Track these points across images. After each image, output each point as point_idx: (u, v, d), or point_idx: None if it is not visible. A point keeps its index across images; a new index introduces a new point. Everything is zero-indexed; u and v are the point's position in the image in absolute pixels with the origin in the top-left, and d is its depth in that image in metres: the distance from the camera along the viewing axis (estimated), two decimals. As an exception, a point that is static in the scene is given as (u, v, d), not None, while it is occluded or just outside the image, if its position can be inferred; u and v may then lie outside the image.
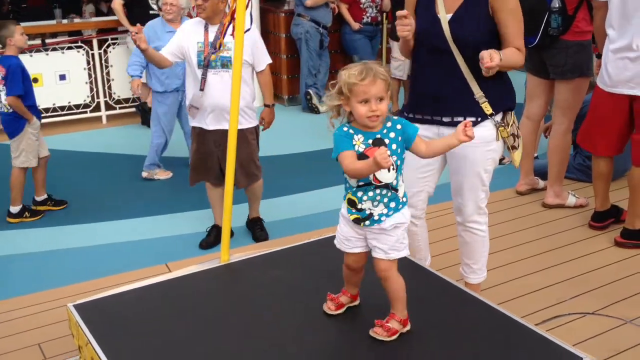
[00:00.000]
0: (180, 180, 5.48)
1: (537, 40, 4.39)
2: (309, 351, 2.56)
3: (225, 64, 4.09)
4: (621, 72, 3.98)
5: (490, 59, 2.81)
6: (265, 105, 4.46)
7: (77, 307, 2.89)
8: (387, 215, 2.49)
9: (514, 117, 3.14)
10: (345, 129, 2.44)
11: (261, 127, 4.47)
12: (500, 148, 3.14)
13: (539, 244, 4.24)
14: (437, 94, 3.04)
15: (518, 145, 3.16)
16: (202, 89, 4.12)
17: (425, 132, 3.06)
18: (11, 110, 4.82)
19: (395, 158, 2.42)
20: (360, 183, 2.44)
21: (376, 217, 2.49)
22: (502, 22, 2.95)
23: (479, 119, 3.02)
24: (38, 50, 7.13)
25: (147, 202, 5.17)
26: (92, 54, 7.32)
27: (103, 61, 7.40)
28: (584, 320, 3.41)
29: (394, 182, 2.46)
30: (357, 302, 2.81)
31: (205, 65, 4.10)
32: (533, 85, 4.75)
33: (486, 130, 3.04)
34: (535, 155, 5.15)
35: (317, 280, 3.04)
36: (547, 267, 3.93)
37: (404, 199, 2.54)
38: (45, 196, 5.12)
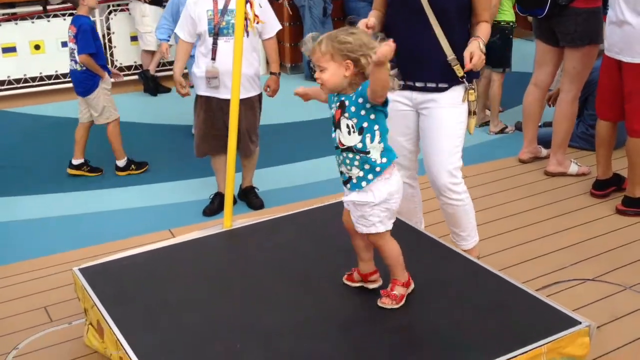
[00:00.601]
0: (184, 148, 5.48)
1: (545, 11, 4.36)
2: (310, 315, 2.60)
3: None
4: (610, 36, 4.04)
5: (469, 58, 2.86)
6: (272, 73, 4.45)
7: (82, 270, 2.93)
8: (367, 180, 2.49)
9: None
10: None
11: (265, 95, 4.47)
12: (465, 116, 3.15)
13: (541, 211, 4.26)
14: (410, 54, 2.98)
15: (476, 112, 3.20)
16: (213, 58, 4.11)
17: (398, 97, 3.09)
18: (84, 69, 4.90)
19: (355, 120, 2.43)
20: (335, 145, 2.51)
21: (355, 181, 2.52)
22: None
23: (451, 84, 3.05)
24: (39, 17, 7.09)
25: (151, 170, 5.18)
26: (94, 21, 7.26)
27: (105, 28, 7.35)
28: (584, 286, 3.44)
29: (359, 145, 2.46)
30: (375, 285, 2.76)
31: (216, 33, 4.08)
32: (542, 52, 4.72)
33: (455, 93, 3.08)
34: (540, 124, 5.15)
35: (319, 247, 3.08)
36: (548, 234, 3.95)
37: (384, 160, 2.49)
38: (82, 160, 5.22)
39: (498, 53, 5.61)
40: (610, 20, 4.04)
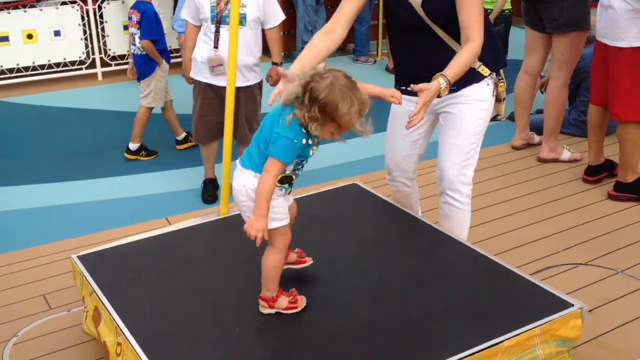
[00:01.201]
0: (174, 137, 5.49)
1: None
2: (308, 298, 2.62)
3: (240, 20, 4.08)
4: (599, 20, 4.10)
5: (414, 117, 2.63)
6: (274, 63, 4.46)
7: (81, 258, 2.95)
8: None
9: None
10: (304, 140, 2.32)
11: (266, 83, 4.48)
12: (491, 107, 3.09)
13: (534, 197, 4.31)
14: (427, 70, 2.78)
15: (504, 98, 3.18)
16: (215, 47, 4.12)
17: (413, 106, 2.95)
18: (144, 53, 5.07)
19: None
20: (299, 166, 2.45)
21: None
22: (457, 6, 2.79)
23: (475, 82, 2.97)
24: (32, 6, 7.06)
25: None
26: (87, 10, 7.25)
27: (98, 17, 7.33)
28: (576, 271, 3.49)
29: None
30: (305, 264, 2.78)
31: (218, 21, 4.09)
32: (531, 39, 4.75)
33: (480, 88, 2.98)
34: (532, 111, 5.19)
35: (314, 232, 3.10)
36: (541, 220, 4.00)
37: None
38: (184, 134, 5.39)
39: (501, 41, 5.66)
40: (600, 5, 4.09)
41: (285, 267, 2.68)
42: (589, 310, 2.80)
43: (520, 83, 4.89)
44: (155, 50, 5.06)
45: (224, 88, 4.16)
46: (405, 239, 3.15)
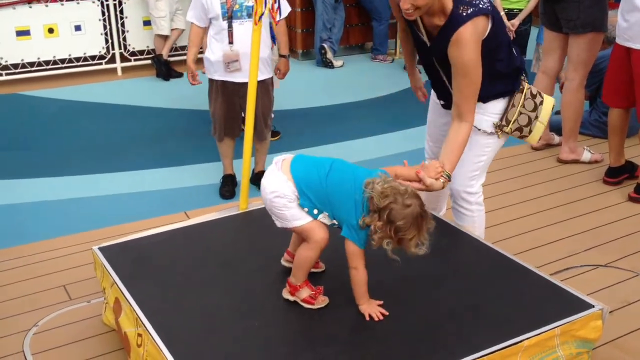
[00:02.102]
0: (197, 132, 5.52)
1: None
2: (327, 293, 2.63)
3: (251, 13, 4.09)
4: (620, 23, 4.06)
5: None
6: (281, 56, 4.47)
7: (102, 249, 2.97)
8: None
9: (521, 103, 2.96)
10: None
11: (276, 77, 4.50)
12: (502, 141, 3.06)
13: (554, 198, 4.28)
14: (442, 95, 3.04)
15: (532, 129, 3.01)
16: (231, 42, 4.13)
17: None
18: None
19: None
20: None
21: None
22: (452, 73, 2.75)
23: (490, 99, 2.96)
24: (53, 0, 7.11)
25: (163, 153, 5.21)
26: (107, 5, 7.29)
27: (118, 12, 7.37)
28: (596, 272, 3.46)
29: None
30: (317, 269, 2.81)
31: (229, 16, 4.10)
32: (549, 40, 4.73)
33: (495, 105, 2.96)
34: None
35: (330, 230, 3.10)
36: (561, 221, 3.98)
37: None
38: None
39: (525, 40, 5.66)
40: (621, 8, 4.05)
41: None
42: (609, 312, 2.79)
43: (538, 84, 4.86)
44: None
45: (240, 84, 4.20)
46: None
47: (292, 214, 2.49)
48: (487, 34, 2.71)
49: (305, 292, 2.58)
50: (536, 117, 2.99)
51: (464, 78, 2.72)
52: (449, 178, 2.76)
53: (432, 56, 2.87)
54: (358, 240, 2.43)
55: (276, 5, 3.82)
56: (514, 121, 2.97)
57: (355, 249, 2.45)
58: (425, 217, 2.37)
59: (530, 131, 3.01)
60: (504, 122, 2.97)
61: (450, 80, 2.81)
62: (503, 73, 2.90)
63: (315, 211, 2.48)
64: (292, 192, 2.47)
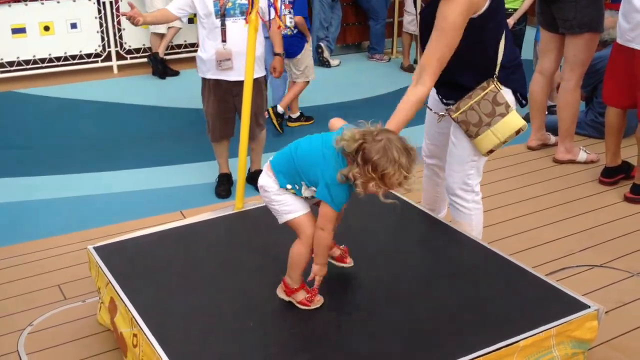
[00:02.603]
0: (193, 130, 5.51)
1: None
2: (322, 294, 2.62)
3: (244, 11, 4.08)
4: (621, 24, 4.05)
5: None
6: (275, 54, 4.46)
7: (97, 249, 2.96)
8: None
9: (477, 100, 2.88)
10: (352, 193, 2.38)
11: (271, 76, 4.49)
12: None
13: (549, 198, 4.29)
14: (439, 83, 2.91)
15: (479, 133, 2.91)
16: (224, 40, 4.11)
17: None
18: (294, 32, 5.41)
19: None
20: None
21: None
22: (432, 32, 2.72)
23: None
24: (49, -2, 7.10)
25: (159, 152, 5.21)
26: (103, 3, 7.27)
27: (114, 10, 7.35)
28: (592, 272, 3.47)
29: None
30: (345, 265, 2.82)
31: (222, 14, 4.08)
32: (545, 40, 4.73)
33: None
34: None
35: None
36: (557, 221, 3.98)
37: None
38: (299, 113, 5.93)
39: (520, 40, 5.65)
40: (622, 8, 4.04)
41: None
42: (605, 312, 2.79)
43: (534, 85, 4.87)
44: (306, 27, 5.44)
45: (233, 83, 4.18)
46: (420, 237, 3.15)
47: (282, 208, 2.50)
48: (482, 10, 2.70)
49: (301, 295, 2.57)
50: (488, 125, 2.89)
51: (440, 38, 2.67)
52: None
53: (427, 23, 2.80)
54: (332, 200, 2.36)
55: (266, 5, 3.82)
56: (463, 112, 2.90)
57: (328, 210, 2.38)
58: (401, 149, 2.28)
59: (477, 134, 2.91)
60: (452, 107, 2.93)
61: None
62: (478, 64, 2.84)
63: (297, 187, 2.45)
64: (274, 182, 2.48)
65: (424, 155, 3.40)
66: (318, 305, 2.58)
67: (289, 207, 2.49)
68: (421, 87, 2.73)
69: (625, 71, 4.12)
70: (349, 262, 2.82)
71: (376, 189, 2.28)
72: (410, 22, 7.10)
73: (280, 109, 5.60)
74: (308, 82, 5.66)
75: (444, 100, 3.03)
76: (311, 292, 2.57)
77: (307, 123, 5.86)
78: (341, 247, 2.82)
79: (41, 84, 6.85)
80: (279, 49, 4.45)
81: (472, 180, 3.11)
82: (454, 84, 2.90)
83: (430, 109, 3.17)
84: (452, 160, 3.10)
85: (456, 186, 3.12)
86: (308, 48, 5.58)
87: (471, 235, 3.10)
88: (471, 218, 3.18)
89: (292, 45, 5.37)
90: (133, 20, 3.97)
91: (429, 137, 3.33)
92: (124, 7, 7.35)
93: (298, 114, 5.90)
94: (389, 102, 6.66)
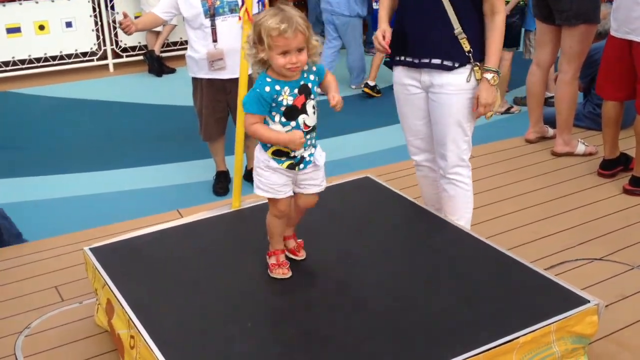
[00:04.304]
0: (189, 129, 5.49)
1: None
2: (321, 292, 2.62)
3: (233, 8, 4.05)
4: (617, 16, 4.01)
5: (483, 108, 2.97)
6: None
7: (93, 250, 2.94)
8: (313, 154, 2.60)
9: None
10: (267, 88, 2.43)
11: None
12: (474, 91, 3.04)
13: (548, 191, 4.26)
14: (417, 32, 3.01)
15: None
16: (215, 40, 4.09)
17: (407, 80, 3.12)
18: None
19: (316, 99, 2.52)
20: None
21: (307, 159, 2.59)
22: None
23: (455, 64, 2.98)
24: (44, -3, 7.07)
25: (156, 151, 5.20)
26: (98, 1, 7.24)
27: (109, 8, 7.32)
28: (591, 266, 3.45)
29: (316, 122, 2.55)
30: (296, 257, 2.84)
31: (212, 14, 4.06)
32: (541, 32, 4.71)
33: (462, 76, 2.99)
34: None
35: (326, 226, 3.09)
36: (555, 214, 3.96)
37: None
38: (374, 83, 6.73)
39: (514, 32, 5.62)
40: (620, 1, 4.01)
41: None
42: (605, 306, 2.77)
43: (532, 77, 4.85)
44: None
45: (227, 80, 4.16)
46: (418, 233, 3.13)
47: (261, 182, 2.59)
48: None
49: (272, 259, 2.72)
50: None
51: None
52: (497, 74, 2.95)
53: None
54: (248, 100, 2.45)
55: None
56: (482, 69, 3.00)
57: (246, 116, 2.49)
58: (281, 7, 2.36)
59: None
60: (479, 63, 3.00)
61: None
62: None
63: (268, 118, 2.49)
64: (259, 150, 2.57)
65: (411, 155, 3.38)
66: (278, 277, 2.69)
67: (261, 184, 2.60)
68: (498, 14, 2.94)
69: (620, 63, 4.10)
70: (300, 256, 2.83)
71: (265, 55, 2.36)
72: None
73: (371, 82, 6.59)
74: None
75: (444, 62, 3.00)
76: (280, 262, 2.71)
77: (377, 95, 6.62)
78: (298, 240, 2.85)
79: (37, 84, 6.83)
80: None
81: (465, 155, 3.17)
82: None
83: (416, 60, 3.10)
84: (445, 140, 3.11)
85: (454, 164, 3.15)
86: None
87: (468, 230, 3.08)
88: (467, 194, 3.23)
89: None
90: (126, 29, 3.97)
91: (412, 133, 3.29)
92: (118, 5, 7.33)
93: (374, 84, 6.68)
94: (386, 96, 6.64)
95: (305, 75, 2.48)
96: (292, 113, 2.47)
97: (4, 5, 6.86)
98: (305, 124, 2.50)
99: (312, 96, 2.50)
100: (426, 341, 2.38)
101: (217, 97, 4.24)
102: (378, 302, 2.59)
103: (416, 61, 3.06)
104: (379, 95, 6.62)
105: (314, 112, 2.52)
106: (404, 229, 3.17)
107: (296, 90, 2.46)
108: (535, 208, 4.05)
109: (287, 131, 2.48)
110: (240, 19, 3.12)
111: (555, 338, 2.44)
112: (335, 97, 2.50)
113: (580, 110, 5.11)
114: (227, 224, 3.24)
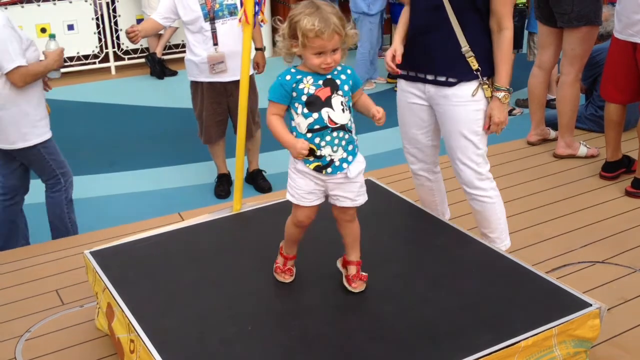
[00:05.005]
0: (191, 131, 5.48)
1: None
2: (322, 296, 2.61)
3: (233, 11, 4.06)
4: (620, 19, 4.00)
5: (489, 124, 2.97)
6: (257, 49, 4.43)
7: (93, 254, 2.94)
8: (348, 162, 2.48)
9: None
10: (289, 76, 2.40)
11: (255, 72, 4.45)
12: (485, 105, 3.01)
13: (550, 194, 4.25)
14: (423, 47, 2.96)
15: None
16: (216, 44, 4.09)
17: (410, 88, 3.09)
18: None
19: (347, 99, 2.44)
20: (316, 127, 2.40)
21: (337, 164, 2.46)
22: None
23: (462, 80, 2.94)
24: (45, 0, 7.07)
25: (158, 153, 5.20)
26: (100, 4, 7.25)
27: (111, 11, 7.32)
28: (593, 269, 3.44)
29: (349, 123, 2.45)
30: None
31: (212, 18, 4.06)
32: (543, 34, 4.70)
33: (469, 87, 2.95)
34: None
35: (326, 229, 3.07)
36: (557, 217, 3.95)
37: (357, 140, 2.53)
38: None
39: (514, 34, 5.61)
40: (622, 3, 3.99)
41: None
42: (607, 309, 2.76)
43: (533, 79, 4.84)
44: None
45: (227, 83, 4.16)
46: (419, 236, 3.12)
47: (290, 185, 2.56)
48: None
49: (279, 260, 2.73)
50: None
51: None
52: (509, 92, 2.92)
53: None
54: (271, 89, 2.43)
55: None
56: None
57: (269, 104, 2.45)
58: (319, 5, 2.31)
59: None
60: (488, 81, 2.97)
61: (463, 15, 2.87)
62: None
63: (292, 111, 2.45)
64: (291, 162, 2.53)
65: (409, 164, 3.36)
66: (280, 280, 2.70)
67: (291, 189, 2.56)
68: (505, 31, 2.91)
69: (624, 66, 4.08)
70: (354, 287, 2.66)
71: (299, 51, 2.33)
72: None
73: None
74: None
75: (448, 79, 2.97)
76: (284, 268, 2.71)
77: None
78: (362, 273, 2.67)
79: (39, 87, 6.82)
80: (259, 44, 4.40)
81: (482, 168, 3.09)
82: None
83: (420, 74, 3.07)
84: (459, 154, 3.05)
85: (472, 178, 3.08)
86: None
87: (467, 232, 3.07)
88: (495, 206, 3.15)
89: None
90: (134, 39, 3.99)
91: (409, 141, 3.25)
92: (120, 8, 7.34)
93: None
94: (388, 98, 6.68)
95: (335, 72, 2.42)
96: (314, 104, 2.38)
97: (5, 8, 6.87)
98: (330, 119, 2.39)
99: (339, 92, 2.41)
100: (427, 345, 2.37)
101: (217, 99, 4.24)
102: (379, 305, 2.59)
103: (421, 76, 3.03)
104: None
105: (343, 111, 2.41)
106: (405, 231, 3.16)
107: (321, 82, 2.39)
108: (537, 210, 4.04)
109: (309, 124, 2.38)
110: (240, 22, 3.11)
111: (557, 342, 2.43)
112: (380, 110, 2.48)
113: (582, 112, 5.10)
114: (228, 228, 3.24)
